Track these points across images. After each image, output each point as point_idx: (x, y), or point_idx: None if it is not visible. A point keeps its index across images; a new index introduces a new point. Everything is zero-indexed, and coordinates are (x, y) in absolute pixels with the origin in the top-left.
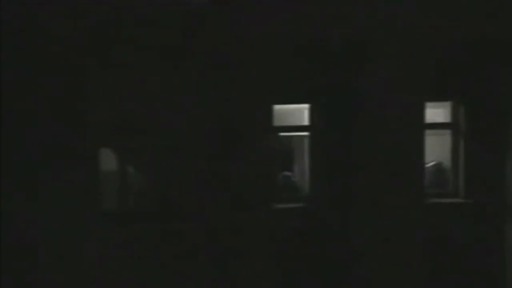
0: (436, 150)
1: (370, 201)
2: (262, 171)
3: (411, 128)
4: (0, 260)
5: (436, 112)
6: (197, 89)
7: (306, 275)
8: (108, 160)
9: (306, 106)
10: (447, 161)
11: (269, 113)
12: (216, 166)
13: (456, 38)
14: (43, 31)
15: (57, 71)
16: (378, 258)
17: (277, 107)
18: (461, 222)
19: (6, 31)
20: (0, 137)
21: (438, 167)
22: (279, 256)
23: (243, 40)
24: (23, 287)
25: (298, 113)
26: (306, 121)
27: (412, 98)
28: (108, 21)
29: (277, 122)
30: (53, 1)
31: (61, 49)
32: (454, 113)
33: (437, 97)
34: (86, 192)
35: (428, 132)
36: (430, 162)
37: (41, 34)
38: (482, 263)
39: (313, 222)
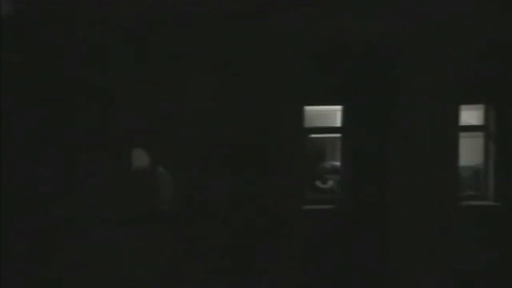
0: (470, 152)
1: (403, 203)
2: (293, 172)
3: (445, 130)
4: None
5: (470, 114)
6: (228, 91)
7: (336, 276)
8: (140, 160)
9: (338, 107)
10: (479, 164)
11: (300, 115)
12: (246, 168)
13: (488, 41)
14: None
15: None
16: (409, 260)
17: (309, 108)
18: (488, 225)
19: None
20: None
21: (473, 169)
22: (309, 257)
23: (275, 42)
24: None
25: (331, 114)
26: (338, 123)
27: (446, 101)
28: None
29: (308, 123)
30: None
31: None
32: (486, 116)
33: (471, 100)
34: (118, 191)
35: (462, 134)
36: (465, 164)
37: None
38: None
39: (345, 224)
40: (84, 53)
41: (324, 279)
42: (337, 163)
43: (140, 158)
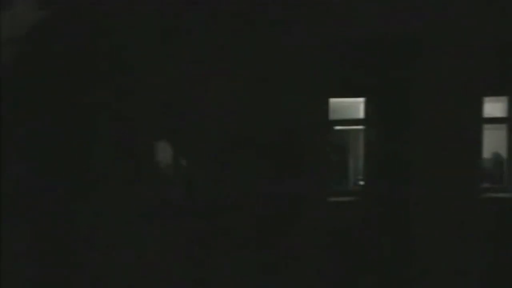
0: (493, 144)
1: (425, 195)
2: (317, 165)
3: (469, 122)
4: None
5: (494, 106)
6: (252, 84)
7: (357, 269)
8: (163, 153)
9: (361, 100)
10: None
11: (325, 107)
12: (270, 160)
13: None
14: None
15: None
16: (431, 254)
17: (333, 101)
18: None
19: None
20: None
21: (497, 158)
22: (331, 250)
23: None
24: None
25: (354, 106)
26: (361, 115)
27: (469, 92)
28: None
29: (333, 115)
30: None
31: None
32: (510, 108)
33: (494, 92)
34: (142, 184)
35: (485, 126)
36: (488, 154)
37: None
38: None
39: (367, 216)
40: (106, 47)
41: (347, 271)
42: None
43: (161, 151)
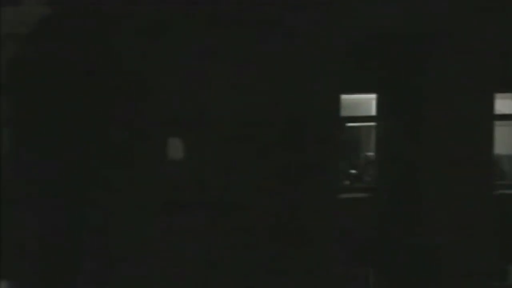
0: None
1: (437, 191)
2: (327, 161)
3: (480, 119)
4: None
5: (505, 103)
6: (264, 80)
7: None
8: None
9: (373, 96)
10: None
11: (337, 103)
12: (281, 155)
13: None
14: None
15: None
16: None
17: (345, 97)
18: None
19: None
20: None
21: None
22: (344, 245)
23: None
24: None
25: (365, 103)
26: (373, 112)
27: (481, 89)
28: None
29: (344, 112)
30: None
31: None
32: None
33: (506, 88)
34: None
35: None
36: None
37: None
38: None
39: (379, 212)
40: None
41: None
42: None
43: (176, 146)
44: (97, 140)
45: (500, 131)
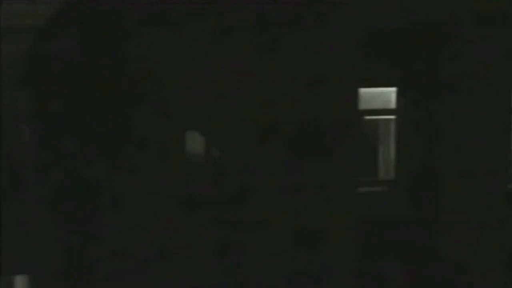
0: None
1: (455, 184)
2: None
3: (499, 113)
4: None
5: None
6: (283, 74)
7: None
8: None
9: (393, 89)
10: None
11: (355, 96)
12: (297, 151)
13: None
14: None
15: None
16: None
17: (363, 90)
18: None
19: None
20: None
21: None
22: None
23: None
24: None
25: (385, 96)
26: (393, 105)
27: (500, 83)
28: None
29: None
30: None
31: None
32: None
33: None
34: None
35: None
36: None
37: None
38: None
39: (396, 206)
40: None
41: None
42: None
43: (195, 142)
44: (116, 135)
45: None
